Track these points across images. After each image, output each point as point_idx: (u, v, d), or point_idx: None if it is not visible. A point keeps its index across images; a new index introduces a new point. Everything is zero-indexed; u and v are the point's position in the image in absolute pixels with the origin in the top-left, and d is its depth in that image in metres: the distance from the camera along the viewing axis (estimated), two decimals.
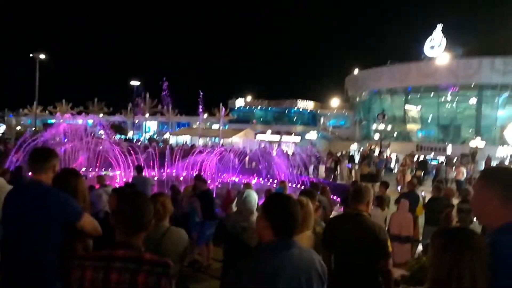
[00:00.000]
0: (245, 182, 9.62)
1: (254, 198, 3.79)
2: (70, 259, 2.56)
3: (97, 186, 7.50)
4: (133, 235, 1.95)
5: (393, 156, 26.58)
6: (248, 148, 26.12)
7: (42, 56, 28.36)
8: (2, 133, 43.94)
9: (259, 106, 56.46)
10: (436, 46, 36.23)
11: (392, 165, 24.82)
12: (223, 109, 48.86)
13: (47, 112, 56.15)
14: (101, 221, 4.70)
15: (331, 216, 5.13)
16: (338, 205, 10.62)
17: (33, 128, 39.35)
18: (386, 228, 6.86)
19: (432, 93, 36.28)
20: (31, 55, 27.81)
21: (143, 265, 1.86)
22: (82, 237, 2.72)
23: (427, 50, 36.67)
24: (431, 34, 36.76)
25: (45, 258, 2.52)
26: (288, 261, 1.90)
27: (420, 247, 7.17)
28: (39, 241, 2.52)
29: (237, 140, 37.63)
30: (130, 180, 10.54)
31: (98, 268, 1.85)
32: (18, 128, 49.63)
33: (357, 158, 25.79)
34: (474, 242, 1.69)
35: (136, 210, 1.98)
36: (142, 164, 11.42)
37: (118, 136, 25.27)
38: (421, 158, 24.51)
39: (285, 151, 25.08)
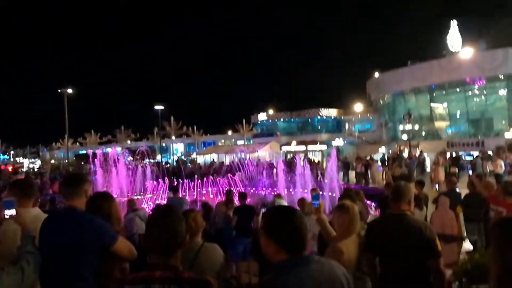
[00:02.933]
0: (276, 193, 9.48)
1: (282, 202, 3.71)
2: (107, 283, 2.56)
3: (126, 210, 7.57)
4: (169, 255, 1.88)
5: (424, 155, 25.82)
6: (274, 160, 26.02)
7: (69, 91, 29.39)
8: (38, 168, 45.57)
9: (282, 118, 56.46)
10: (457, 41, 35.54)
11: (424, 164, 24.12)
12: (246, 124, 49.20)
13: (77, 144, 57.98)
14: (136, 245, 4.74)
15: (371, 219, 4.97)
16: (373, 209, 10.34)
17: (66, 160, 40.70)
18: None
19: (458, 88, 35.30)
20: (59, 90, 28.83)
21: (184, 285, 1.78)
22: (118, 260, 2.68)
23: (450, 45, 35.96)
24: (449, 30, 36.17)
25: (83, 283, 2.50)
26: (308, 277, 1.74)
27: (465, 245, 6.84)
28: (76, 267, 2.50)
29: (263, 154, 37.59)
30: (164, 202, 10.63)
31: None
32: (52, 161, 51.41)
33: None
34: None
35: (168, 229, 1.89)
36: (176, 184, 11.48)
37: (146, 160, 25.72)
38: (454, 154, 23.80)
39: (312, 160, 24.83)
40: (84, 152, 51.07)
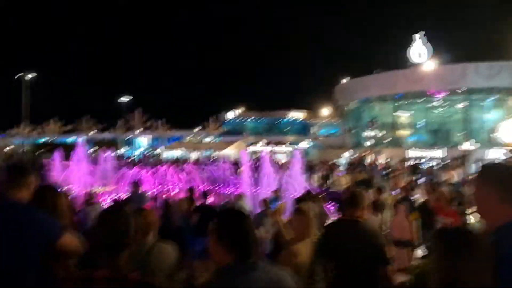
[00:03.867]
0: (237, 194, 9.47)
1: (246, 210, 3.71)
2: (49, 280, 2.43)
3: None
4: (115, 255, 1.83)
5: (385, 162, 26.64)
6: (240, 159, 25.97)
7: (29, 76, 28.17)
8: None
9: (250, 118, 56.63)
10: (421, 53, 36.91)
11: (385, 171, 24.87)
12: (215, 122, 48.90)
13: (36, 132, 55.46)
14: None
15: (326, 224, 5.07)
16: (334, 212, 10.56)
17: (23, 150, 38.89)
18: (386, 233, 6.84)
19: (421, 99, 36.69)
20: (16, 76, 27.59)
21: (128, 286, 1.76)
22: (62, 257, 2.55)
23: (413, 57, 37.27)
24: (413, 42, 37.55)
25: (26, 282, 2.36)
26: (249, 284, 1.70)
27: (419, 251, 7.14)
28: (18, 265, 2.36)
29: (230, 152, 37.51)
30: (124, 197, 10.35)
31: None
32: (7, 149, 48.92)
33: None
34: (476, 243, 1.64)
35: (114, 229, 1.85)
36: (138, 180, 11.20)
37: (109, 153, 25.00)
38: (412, 163, 24.68)
39: (276, 161, 25.04)
40: (43, 140, 49.04)
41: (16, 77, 27.64)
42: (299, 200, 4.04)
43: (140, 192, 9.05)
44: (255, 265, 1.76)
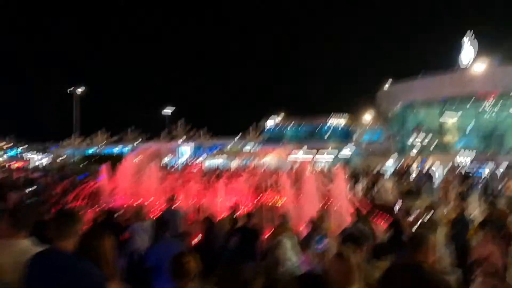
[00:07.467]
0: (281, 215, 8.11)
1: (287, 247, 3.56)
2: None
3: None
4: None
5: (434, 170, 25.37)
6: (281, 168, 25.71)
7: (79, 90, 29.56)
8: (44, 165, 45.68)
9: (291, 125, 56.26)
10: (469, 55, 35.09)
11: (433, 180, 23.70)
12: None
13: (85, 143, 58.11)
14: (135, 264, 4.48)
15: (386, 267, 4.74)
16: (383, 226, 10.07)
17: (73, 160, 40.85)
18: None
19: (470, 102, 34.80)
20: (68, 90, 29.03)
21: None
22: None
23: (461, 59, 35.52)
24: (463, 44, 35.81)
25: None
26: None
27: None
28: None
29: (270, 160, 37.34)
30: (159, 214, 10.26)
31: None
32: (60, 159, 51.51)
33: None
34: None
35: None
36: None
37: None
38: (463, 171, 23.36)
39: (317, 170, 24.53)
40: (91, 151, 51.26)
41: (68, 91, 29.09)
42: (347, 240, 3.77)
43: (173, 207, 8.57)
44: None
